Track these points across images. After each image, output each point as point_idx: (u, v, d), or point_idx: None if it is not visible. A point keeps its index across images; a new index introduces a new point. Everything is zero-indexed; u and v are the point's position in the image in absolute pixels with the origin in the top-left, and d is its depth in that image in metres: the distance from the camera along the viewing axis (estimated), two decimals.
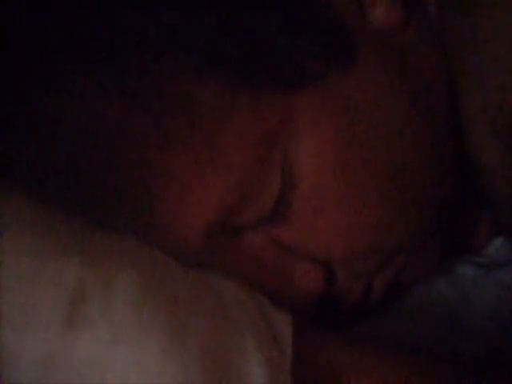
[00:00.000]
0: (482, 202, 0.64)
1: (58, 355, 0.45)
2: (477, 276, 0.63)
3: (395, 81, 0.54)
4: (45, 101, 0.48)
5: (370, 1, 0.54)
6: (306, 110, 0.51)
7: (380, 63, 0.54)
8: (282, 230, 0.53)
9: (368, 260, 0.56)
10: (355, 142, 0.52)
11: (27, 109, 0.48)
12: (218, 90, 0.49)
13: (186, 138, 0.49)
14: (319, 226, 0.53)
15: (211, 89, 0.49)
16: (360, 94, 0.53)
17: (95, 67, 0.48)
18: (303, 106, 0.51)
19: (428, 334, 0.60)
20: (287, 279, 0.54)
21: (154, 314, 0.47)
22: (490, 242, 0.65)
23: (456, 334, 0.60)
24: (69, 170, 0.49)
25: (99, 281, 0.48)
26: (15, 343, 0.46)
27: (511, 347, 0.59)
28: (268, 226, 0.53)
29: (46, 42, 0.48)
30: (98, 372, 0.45)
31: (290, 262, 0.54)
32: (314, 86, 0.51)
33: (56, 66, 0.48)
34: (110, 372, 0.45)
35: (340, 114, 0.52)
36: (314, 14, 0.52)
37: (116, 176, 0.49)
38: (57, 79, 0.48)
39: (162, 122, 0.48)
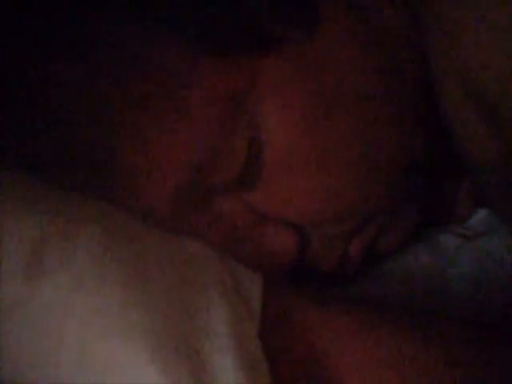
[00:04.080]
0: (464, 174, 0.64)
1: (19, 303, 0.45)
2: (458, 244, 0.63)
3: (361, 49, 0.54)
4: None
5: None
6: (272, 73, 0.51)
7: (347, 28, 0.54)
8: (253, 194, 0.54)
9: (341, 224, 0.56)
10: (323, 106, 0.53)
11: None
12: (179, 52, 0.49)
13: (149, 101, 0.49)
14: (290, 189, 0.53)
15: (172, 51, 0.49)
16: (326, 58, 0.53)
17: (57, 29, 0.49)
18: (268, 68, 0.51)
19: (408, 301, 0.59)
20: (260, 244, 0.54)
21: (116, 264, 0.47)
22: (473, 213, 0.65)
23: (437, 300, 0.59)
24: (35, 131, 0.50)
25: (61, 234, 0.48)
26: None
27: (492, 312, 0.59)
28: (240, 191, 0.53)
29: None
30: (58, 319, 0.45)
31: (263, 227, 0.54)
32: (279, 49, 0.51)
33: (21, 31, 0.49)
34: (70, 318, 0.45)
35: (306, 78, 0.52)
36: None
37: (81, 138, 0.50)
38: (21, 43, 0.49)
39: (123, 84, 0.49)
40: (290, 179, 0.53)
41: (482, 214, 0.65)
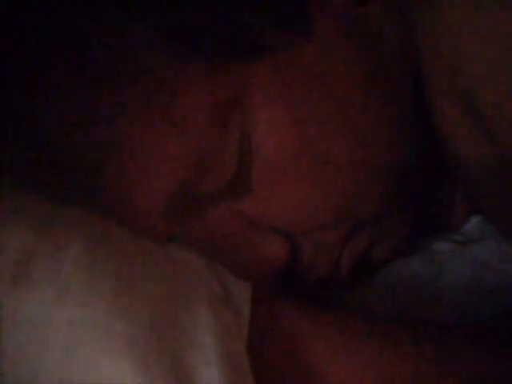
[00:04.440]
0: (458, 181, 0.64)
1: (3, 314, 0.46)
2: (452, 251, 0.63)
3: (354, 53, 0.54)
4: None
5: None
6: (263, 80, 0.51)
7: (339, 35, 0.54)
8: (244, 203, 0.53)
9: (332, 231, 0.56)
10: (314, 114, 0.52)
11: None
12: (170, 60, 0.49)
13: (140, 110, 0.49)
14: (281, 196, 0.53)
15: (163, 59, 0.49)
16: (320, 64, 0.53)
17: (51, 39, 0.49)
18: (260, 75, 0.51)
19: (400, 308, 0.59)
20: (250, 252, 0.54)
21: (103, 275, 0.48)
22: (467, 220, 0.65)
23: (429, 308, 0.59)
24: (26, 141, 0.50)
25: (48, 246, 0.48)
26: None
27: (487, 317, 0.59)
28: (231, 200, 0.53)
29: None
30: (42, 331, 0.45)
31: (254, 235, 0.54)
32: (272, 56, 0.51)
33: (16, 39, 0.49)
34: (56, 326, 0.46)
35: (298, 85, 0.52)
36: None
37: (72, 149, 0.50)
38: (20, 43, 0.49)
39: (114, 93, 0.49)
40: (280, 187, 0.53)
41: (475, 221, 0.65)
